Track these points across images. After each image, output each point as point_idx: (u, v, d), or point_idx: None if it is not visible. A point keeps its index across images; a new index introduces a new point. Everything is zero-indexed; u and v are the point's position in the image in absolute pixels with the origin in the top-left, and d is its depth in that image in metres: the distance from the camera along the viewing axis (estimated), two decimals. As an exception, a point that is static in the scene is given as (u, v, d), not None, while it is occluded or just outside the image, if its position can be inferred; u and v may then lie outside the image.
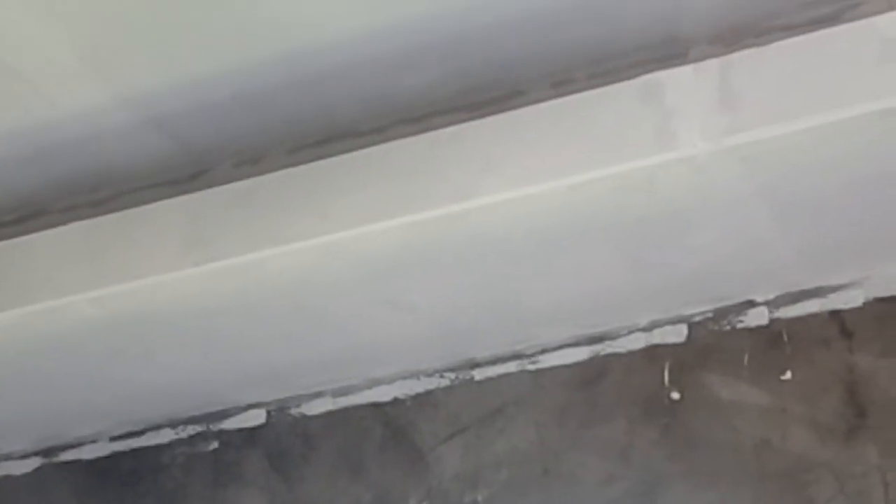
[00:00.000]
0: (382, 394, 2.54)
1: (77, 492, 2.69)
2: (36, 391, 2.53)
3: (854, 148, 1.96)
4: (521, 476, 2.39)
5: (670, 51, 2.04)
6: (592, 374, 2.40)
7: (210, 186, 2.24)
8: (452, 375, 2.50)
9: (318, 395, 2.58)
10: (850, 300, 2.26)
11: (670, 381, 2.34)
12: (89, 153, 2.29)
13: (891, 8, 1.89)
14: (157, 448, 2.67)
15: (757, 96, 1.93)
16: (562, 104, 2.04)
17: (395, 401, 2.52)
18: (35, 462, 2.73)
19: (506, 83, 2.14)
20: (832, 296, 2.27)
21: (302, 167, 2.16)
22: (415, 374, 2.52)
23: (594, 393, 2.38)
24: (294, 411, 2.59)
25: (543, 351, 2.43)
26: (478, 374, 2.48)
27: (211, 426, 2.65)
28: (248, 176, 2.23)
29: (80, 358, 2.44)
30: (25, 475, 2.73)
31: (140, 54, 2.06)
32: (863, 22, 1.90)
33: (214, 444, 2.63)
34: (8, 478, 2.73)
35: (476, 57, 2.10)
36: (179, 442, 2.66)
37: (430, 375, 2.52)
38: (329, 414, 2.56)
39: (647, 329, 2.38)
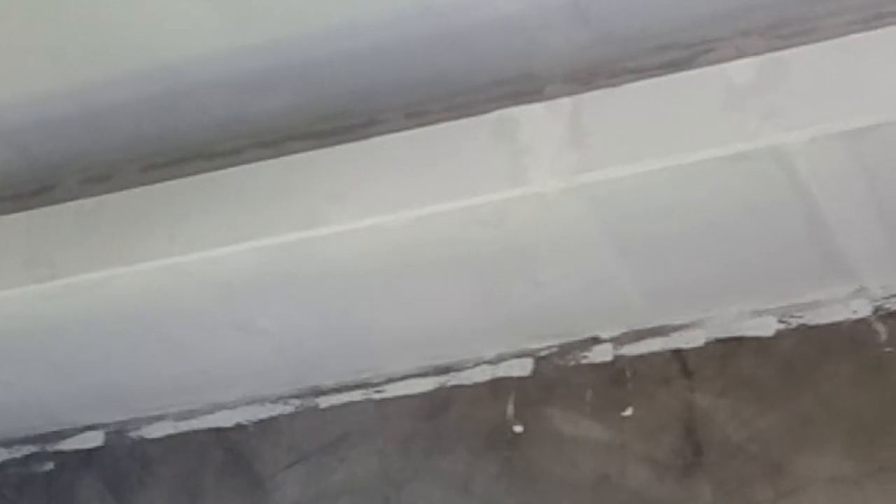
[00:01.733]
0: (225, 419, 2.52)
1: None
2: None
3: (699, 192, 2.00)
4: None
5: (526, 87, 2.07)
6: (437, 405, 2.40)
7: (56, 203, 2.22)
8: (297, 402, 2.49)
9: (159, 418, 2.55)
10: (691, 340, 2.29)
11: (514, 414, 2.34)
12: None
13: (740, 55, 1.95)
14: None
15: (607, 136, 1.96)
16: (415, 135, 2.07)
17: (238, 426, 2.50)
18: None
19: (361, 112, 2.15)
20: (674, 335, 2.30)
21: (153, 186, 2.16)
22: (259, 400, 2.50)
23: (438, 424, 2.38)
24: (133, 434, 2.56)
25: (389, 380, 2.43)
26: (322, 402, 2.47)
27: (46, 447, 2.60)
28: (97, 193, 2.20)
29: None
30: None
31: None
32: (713, 68, 1.96)
33: (49, 466, 2.58)
34: None
35: (332, 84, 2.12)
36: (13, 462, 2.62)
37: (274, 402, 2.50)
38: (169, 438, 2.53)
39: (494, 362, 2.38)
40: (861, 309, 2.22)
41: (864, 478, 2.13)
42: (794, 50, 1.93)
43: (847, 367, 2.20)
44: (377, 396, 2.43)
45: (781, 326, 2.25)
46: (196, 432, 2.53)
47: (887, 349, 2.18)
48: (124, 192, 2.18)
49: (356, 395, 2.45)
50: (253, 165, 2.15)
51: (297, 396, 2.49)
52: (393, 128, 2.11)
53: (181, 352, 2.39)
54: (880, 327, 2.20)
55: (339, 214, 2.06)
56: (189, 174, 2.18)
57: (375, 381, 2.44)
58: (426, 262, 2.16)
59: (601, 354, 2.33)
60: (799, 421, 2.20)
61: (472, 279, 2.21)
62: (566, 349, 2.35)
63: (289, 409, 2.49)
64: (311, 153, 2.13)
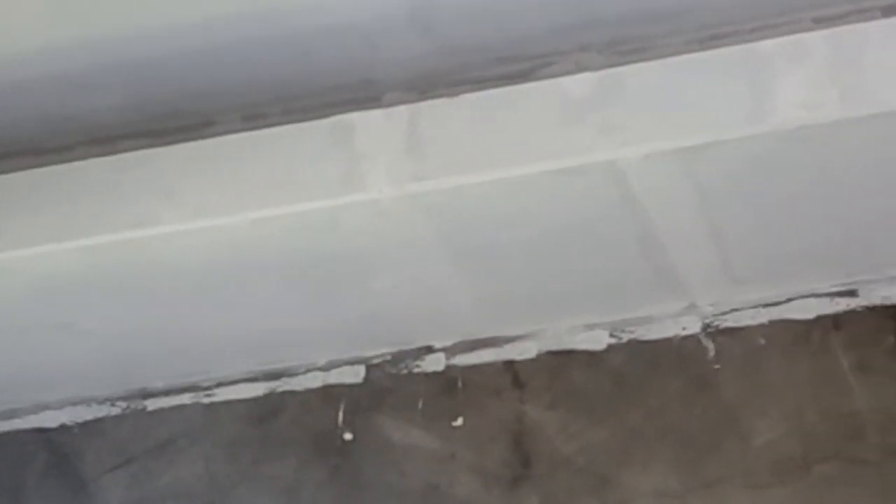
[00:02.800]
0: (49, 419, 2.48)
1: None
2: None
3: (534, 204, 2.01)
4: None
5: (364, 94, 2.06)
6: (267, 410, 2.39)
7: None
8: (124, 404, 2.46)
9: None
10: (523, 352, 2.31)
11: (344, 421, 2.35)
12: None
13: (578, 70, 1.96)
14: None
15: (444, 145, 1.97)
16: (251, 138, 2.06)
17: (62, 427, 2.46)
18: None
19: (197, 112, 2.12)
20: (507, 346, 2.31)
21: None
22: (85, 401, 2.47)
23: (268, 430, 2.38)
24: None
25: (219, 384, 2.42)
26: (150, 405, 2.45)
27: None
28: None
29: None
30: None
31: None
32: (552, 81, 1.97)
33: None
34: None
35: (168, 83, 2.09)
36: None
37: (100, 403, 2.47)
38: None
39: (325, 368, 2.38)
40: (690, 325, 2.26)
41: (688, 493, 2.17)
42: (631, 66, 1.95)
43: (676, 382, 2.24)
44: (206, 400, 2.42)
45: (613, 341, 2.28)
46: (18, 432, 2.50)
47: (715, 366, 2.22)
48: None
49: (185, 399, 2.43)
50: (83, 162, 2.12)
51: (123, 398, 2.46)
52: (229, 129, 2.09)
53: (3, 350, 2.35)
54: (709, 344, 2.24)
55: (171, 214, 2.04)
56: (16, 170, 2.15)
57: (205, 384, 2.43)
58: (259, 265, 2.15)
59: (433, 364, 2.35)
60: (627, 435, 2.23)
61: (306, 284, 2.20)
62: (399, 357, 2.36)
63: (115, 410, 2.46)
64: (144, 152, 2.10)
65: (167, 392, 2.44)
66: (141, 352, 2.36)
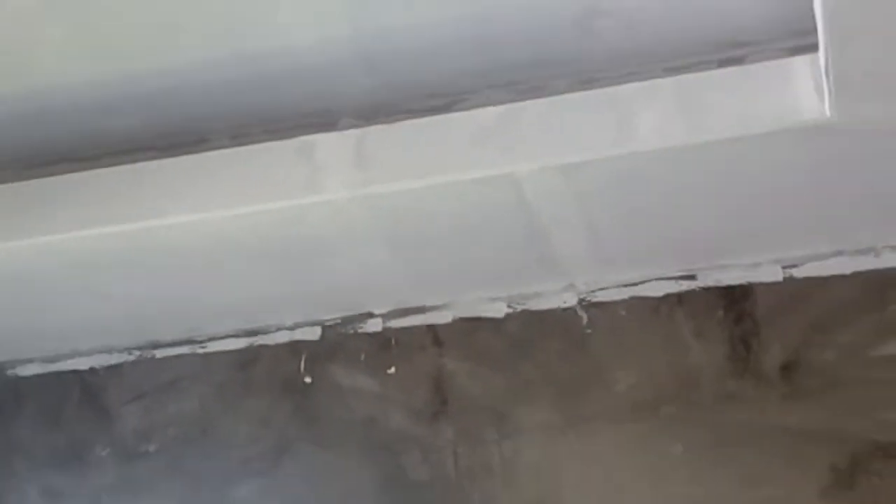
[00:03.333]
0: (81, 363, 2.45)
1: None
2: None
3: (451, 205, 1.99)
4: (185, 434, 2.35)
5: (323, 120, 2.04)
6: (248, 359, 2.38)
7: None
8: (138, 353, 2.44)
9: (30, 360, 2.49)
10: (442, 318, 2.29)
11: (305, 369, 2.33)
12: None
13: (487, 104, 1.94)
14: None
15: (385, 160, 1.95)
16: (236, 152, 2.04)
17: (91, 370, 2.44)
18: None
19: (194, 133, 2.11)
20: (430, 313, 2.29)
21: (49, 181, 2.12)
22: (108, 350, 2.44)
23: (248, 374, 2.36)
24: (9, 372, 2.49)
25: (211, 339, 2.39)
26: (158, 353, 2.43)
27: None
28: None
29: None
30: None
31: None
32: (466, 113, 1.95)
33: None
34: None
35: (173, 110, 2.07)
36: None
37: (120, 351, 2.44)
38: (37, 376, 2.47)
39: (291, 328, 2.36)
40: (569, 300, 2.23)
41: (565, 426, 2.15)
42: (527, 102, 1.92)
43: (557, 343, 2.22)
44: (201, 351, 2.40)
45: (510, 310, 2.26)
46: (58, 373, 2.47)
47: (588, 331, 2.20)
48: (25, 183, 2.12)
49: (184, 349, 2.41)
50: (109, 169, 2.10)
51: (137, 348, 2.44)
52: (220, 146, 2.08)
53: (48, 311, 2.34)
54: (583, 314, 2.21)
55: (175, 209, 2.02)
56: (62, 173, 2.12)
57: (200, 338, 2.39)
58: (242, 249, 2.12)
59: (373, 326, 2.33)
60: (520, 382, 2.21)
61: (277, 264, 2.18)
62: (347, 321, 2.34)
63: (131, 357, 2.44)
64: (155, 162, 2.08)
65: (171, 344, 2.42)
66: (151, 313, 2.34)
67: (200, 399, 2.37)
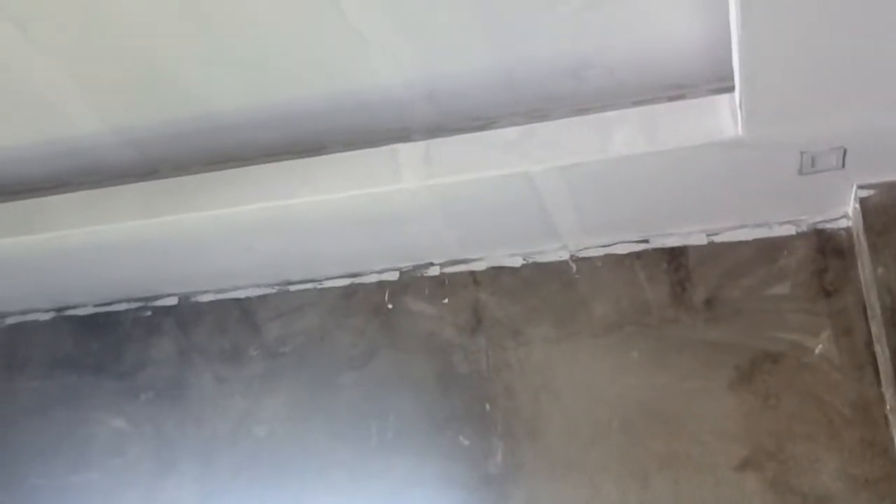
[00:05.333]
0: (240, 294, 2.42)
1: (73, 333, 2.50)
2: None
3: (488, 192, 1.98)
4: (308, 341, 2.33)
5: (403, 134, 2.03)
6: (350, 292, 2.34)
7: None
8: (277, 287, 2.40)
9: (206, 291, 2.45)
10: (478, 266, 2.27)
11: (388, 299, 2.30)
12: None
13: (512, 124, 1.94)
14: (119, 313, 2.49)
15: (443, 161, 1.94)
16: (346, 155, 2.02)
17: (247, 298, 2.41)
18: (51, 314, 2.54)
19: (317, 141, 2.08)
20: (471, 263, 2.27)
21: (216, 174, 2.09)
22: (257, 285, 2.41)
23: (350, 302, 2.33)
24: (192, 299, 2.45)
25: (326, 278, 2.35)
26: (291, 288, 2.38)
27: (148, 303, 2.47)
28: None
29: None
30: (45, 322, 2.54)
31: None
32: (497, 130, 1.95)
33: (148, 313, 2.46)
34: (33, 323, 2.54)
35: (304, 126, 2.04)
36: (133, 310, 2.48)
37: (266, 286, 2.41)
38: (212, 302, 2.44)
39: (379, 272, 2.32)
40: (563, 255, 2.21)
41: (560, 338, 2.15)
42: (537, 124, 1.91)
43: (556, 284, 2.20)
44: (319, 286, 2.36)
45: (524, 262, 2.24)
46: (224, 300, 2.44)
47: (576, 276, 2.19)
48: (205, 175, 2.10)
49: (308, 286, 2.37)
50: (259, 166, 2.07)
51: (277, 284, 2.41)
52: (335, 151, 2.05)
53: (217, 260, 2.30)
54: (573, 265, 2.20)
55: (303, 192, 2.00)
56: (227, 169, 2.10)
57: (318, 278, 2.37)
58: (348, 219, 2.10)
59: (433, 271, 2.30)
60: (529, 309, 2.19)
61: (371, 229, 2.15)
62: (416, 268, 2.31)
63: (273, 290, 2.41)
64: (291, 161, 2.05)
65: (299, 282, 2.39)
66: (286, 261, 2.31)
67: (318, 318, 2.34)
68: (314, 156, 2.05)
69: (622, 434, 2.00)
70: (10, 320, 2.54)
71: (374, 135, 2.03)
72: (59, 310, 2.51)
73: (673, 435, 1.97)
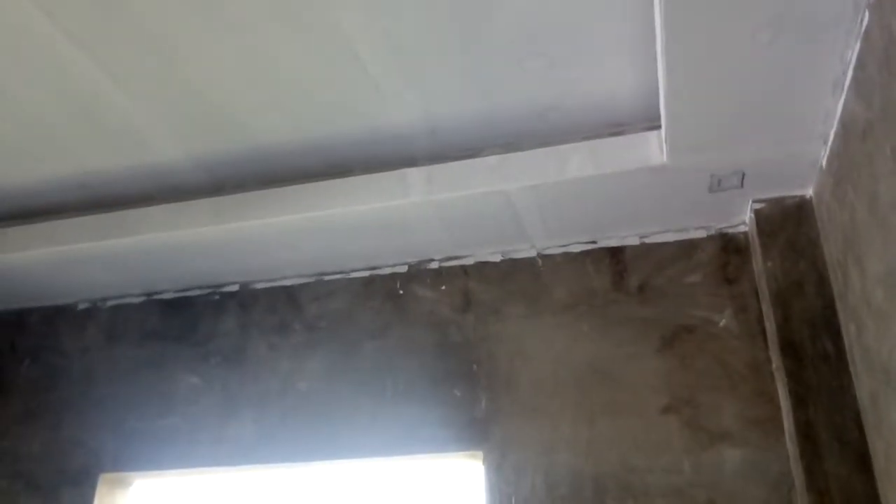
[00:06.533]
0: (286, 281, 2.35)
1: (159, 313, 2.47)
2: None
3: (476, 206, 1.99)
4: (338, 317, 2.27)
5: (409, 162, 2.03)
6: (369, 281, 2.29)
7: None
8: (315, 277, 2.34)
9: (259, 280, 2.38)
10: (469, 262, 2.23)
11: (399, 286, 2.27)
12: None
13: (494, 154, 1.94)
14: (194, 297, 2.45)
15: (442, 181, 1.95)
16: (365, 178, 2.02)
17: (292, 285, 2.34)
18: (143, 297, 2.51)
19: (343, 166, 2.07)
20: (462, 259, 2.25)
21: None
22: (299, 275, 2.34)
23: (370, 289, 2.29)
24: (249, 287, 2.39)
25: (352, 270, 2.30)
26: (324, 278, 2.32)
27: (217, 288, 2.40)
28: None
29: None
30: (137, 304, 2.51)
31: None
32: (481, 158, 1.95)
33: (217, 297, 2.40)
34: (129, 304, 2.52)
35: (329, 155, 2.03)
36: (203, 295, 2.43)
37: (306, 276, 2.34)
38: (264, 289, 2.37)
39: (391, 265, 2.28)
40: (532, 253, 2.21)
41: (531, 316, 2.15)
42: (511, 154, 1.92)
43: (526, 275, 2.19)
44: (347, 277, 2.33)
45: (502, 258, 2.22)
46: (274, 287, 2.37)
47: (542, 268, 2.19)
48: (254, 192, 2.09)
49: (338, 276, 2.31)
50: (297, 185, 2.07)
51: (314, 275, 2.35)
52: (359, 173, 2.05)
53: (269, 255, 2.25)
54: (539, 260, 2.20)
55: (331, 205, 2.01)
56: (273, 188, 2.08)
57: (346, 270, 2.33)
58: (367, 226, 2.10)
59: (433, 265, 2.27)
60: (507, 293, 2.18)
61: (385, 233, 2.14)
62: (421, 263, 2.29)
63: (311, 280, 2.34)
64: (328, 181, 2.04)
65: (332, 273, 2.35)
66: (321, 257, 2.28)
67: (346, 301, 2.31)
68: (342, 177, 2.06)
69: (575, 387, 2.02)
70: (110, 303, 2.54)
71: (388, 162, 2.04)
72: (148, 294, 2.51)
73: (613, 388, 1.99)
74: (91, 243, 2.19)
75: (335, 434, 2.12)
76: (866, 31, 1.37)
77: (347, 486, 2.18)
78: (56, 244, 2.22)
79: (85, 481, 2.26)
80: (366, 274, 2.32)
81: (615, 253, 2.14)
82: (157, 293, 2.49)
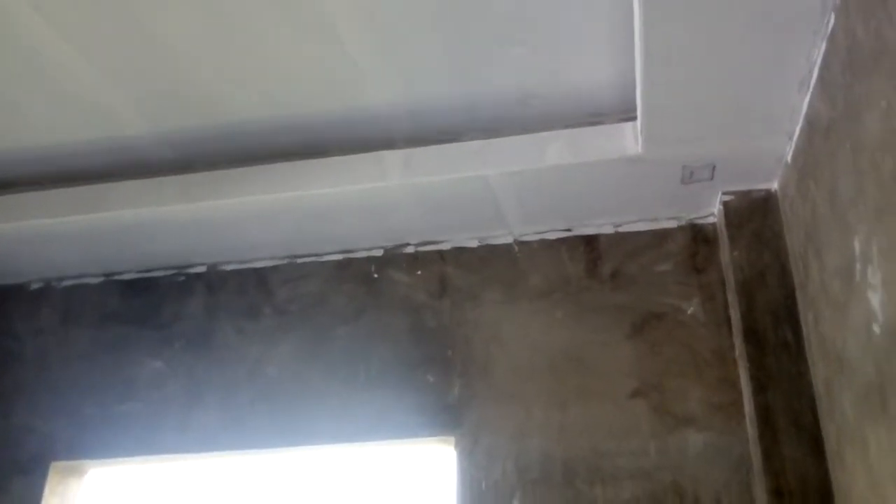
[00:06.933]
0: (257, 264, 2.37)
1: (119, 294, 2.45)
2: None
3: (453, 188, 2.05)
4: (311, 302, 2.31)
5: (388, 144, 2.07)
6: (344, 264, 2.32)
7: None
8: (287, 260, 2.36)
9: (229, 261, 2.39)
10: (446, 247, 2.28)
11: (374, 270, 2.31)
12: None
13: (475, 139, 2.00)
14: (157, 278, 2.43)
15: (420, 165, 2.01)
16: (344, 158, 2.06)
17: (263, 267, 2.36)
18: (101, 278, 2.49)
19: (320, 146, 2.08)
20: (439, 244, 2.30)
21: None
22: (271, 258, 2.38)
23: (344, 272, 2.32)
24: (219, 268, 2.40)
25: (326, 253, 2.33)
26: (298, 261, 2.35)
27: (185, 269, 2.42)
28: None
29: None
30: (95, 284, 2.49)
31: None
32: (461, 143, 2.01)
33: (183, 278, 2.41)
34: (86, 285, 2.49)
35: (307, 135, 2.05)
36: (172, 275, 2.43)
37: (277, 259, 2.37)
38: (234, 270, 2.39)
39: (367, 249, 2.33)
40: (509, 239, 2.28)
41: (505, 301, 2.21)
42: (494, 139, 1.98)
43: (503, 261, 2.25)
44: (320, 260, 2.35)
45: (479, 244, 2.29)
46: (244, 269, 2.38)
47: (518, 255, 2.25)
48: (234, 170, 2.10)
49: (311, 259, 2.34)
50: (280, 164, 2.09)
51: (287, 257, 2.37)
52: (335, 154, 2.08)
53: (240, 237, 2.27)
54: (517, 247, 2.26)
55: (312, 186, 2.04)
56: (247, 167, 2.10)
57: (320, 253, 2.36)
58: (344, 207, 2.13)
59: (410, 249, 2.32)
60: (483, 280, 2.24)
61: (362, 214, 2.17)
62: (397, 247, 2.33)
63: (283, 262, 2.37)
64: (303, 161, 2.07)
65: (305, 255, 2.38)
66: (294, 239, 2.30)
67: (319, 284, 2.31)
68: (318, 158, 2.08)
69: (549, 373, 2.09)
70: (66, 283, 2.49)
71: (365, 143, 2.06)
72: (108, 275, 2.47)
73: (585, 373, 2.07)
74: (47, 220, 2.15)
75: (305, 420, 2.13)
76: (832, 33, 1.48)
77: (318, 474, 2.20)
78: (9, 220, 2.17)
79: (35, 470, 2.23)
80: (340, 257, 2.34)
81: (590, 241, 2.22)
82: (117, 273, 2.46)
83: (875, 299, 1.35)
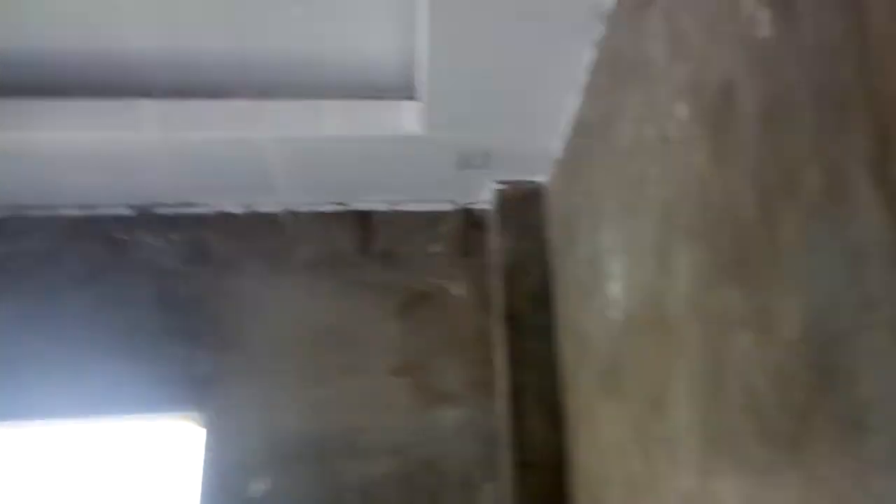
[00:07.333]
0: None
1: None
2: None
3: (222, 147, 1.98)
4: (36, 261, 2.15)
5: (145, 91, 1.91)
6: (84, 222, 2.18)
7: None
8: (10, 211, 2.18)
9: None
10: (205, 210, 2.21)
11: (122, 231, 2.18)
12: None
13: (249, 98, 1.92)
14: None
15: (183, 118, 1.89)
16: (93, 103, 1.89)
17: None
18: None
19: (61, 85, 1.89)
20: (199, 208, 2.20)
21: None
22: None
23: (82, 230, 2.16)
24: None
25: (64, 206, 2.17)
26: (25, 212, 2.16)
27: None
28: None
29: None
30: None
31: None
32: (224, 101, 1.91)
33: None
34: None
35: (53, 70, 1.86)
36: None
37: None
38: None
39: (115, 206, 2.19)
40: (278, 208, 2.26)
41: (271, 274, 2.18)
42: (269, 101, 1.91)
43: (270, 230, 2.23)
44: (56, 214, 2.17)
45: (245, 210, 2.24)
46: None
47: (287, 225, 2.23)
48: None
49: (42, 213, 2.17)
50: (9, 100, 1.87)
51: (10, 207, 2.17)
52: (82, 96, 1.89)
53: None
54: (286, 217, 2.23)
55: (50, 129, 1.86)
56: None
57: (56, 206, 2.18)
58: (91, 158, 1.97)
59: (165, 211, 2.19)
60: (247, 248, 2.20)
61: (111, 169, 2.02)
62: (150, 206, 2.18)
63: (7, 214, 2.17)
64: (42, 100, 1.88)
65: (34, 207, 2.17)
66: (25, 188, 2.09)
67: (48, 242, 2.15)
68: (57, 98, 1.87)
69: (311, 348, 2.10)
70: None
71: (119, 88, 1.89)
72: None
73: (349, 350, 2.12)
74: None
75: (25, 391, 2.00)
76: (601, 42, 1.63)
77: (41, 451, 2.05)
78: None
79: None
80: (77, 212, 2.17)
81: (363, 217, 2.25)
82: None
83: (615, 288, 1.51)
